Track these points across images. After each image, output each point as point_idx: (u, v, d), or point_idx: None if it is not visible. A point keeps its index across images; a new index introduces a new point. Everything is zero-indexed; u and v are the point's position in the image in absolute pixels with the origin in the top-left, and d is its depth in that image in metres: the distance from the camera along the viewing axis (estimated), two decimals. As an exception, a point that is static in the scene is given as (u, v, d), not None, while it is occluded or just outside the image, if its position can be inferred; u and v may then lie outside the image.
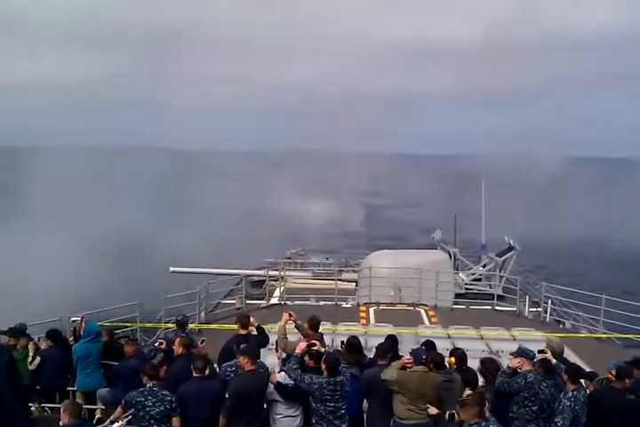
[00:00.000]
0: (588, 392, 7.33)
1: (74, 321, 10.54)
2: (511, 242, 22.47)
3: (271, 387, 7.23)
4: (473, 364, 8.61)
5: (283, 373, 7.43)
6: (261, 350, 8.44)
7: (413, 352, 7.56)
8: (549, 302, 18.08)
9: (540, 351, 7.61)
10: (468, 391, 7.26)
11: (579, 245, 45.62)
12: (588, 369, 8.98)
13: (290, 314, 8.51)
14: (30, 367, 9.59)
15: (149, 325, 14.46)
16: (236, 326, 8.98)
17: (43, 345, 10.04)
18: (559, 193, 68.58)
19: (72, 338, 10.33)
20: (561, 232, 45.53)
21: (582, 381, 7.59)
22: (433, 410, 7.19)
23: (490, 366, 8.01)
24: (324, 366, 7.10)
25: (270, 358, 9.01)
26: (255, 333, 8.92)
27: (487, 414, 6.24)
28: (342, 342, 8.94)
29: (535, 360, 7.44)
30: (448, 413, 6.88)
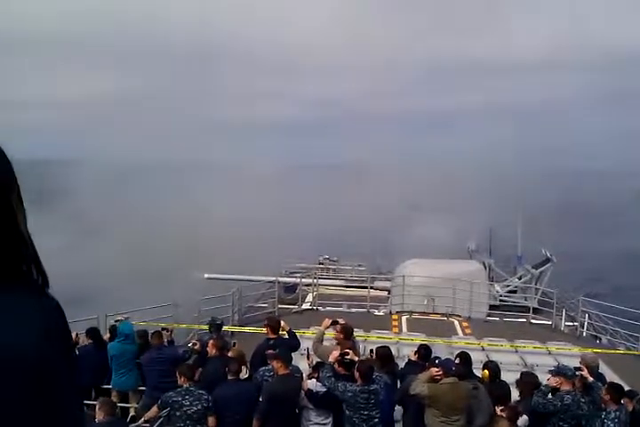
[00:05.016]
0: (627, 411, 7.16)
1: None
2: (548, 254, 22.11)
3: (303, 393, 7.23)
4: (507, 377, 8.49)
5: (314, 380, 7.39)
6: (293, 354, 8.47)
7: (442, 363, 7.28)
8: (586, 316, 17.71)
9: (577, 369, 7.46)
10: (499, 408, 7.05)
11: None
12: (626, 387, 8.77)
13: (335, 322, 8.50)
14: None
15: (184, 326, 14.61)
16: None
17: (80, 341, 10.24)
18: None
19: (107, 336, 10.53)
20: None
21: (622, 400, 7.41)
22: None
23: (528, 379, 7.87)
24: (357, 374, 7.02)
25: (302, 364, 9.04)
26: (286, 337, 8.95)
27: None
28: (371, 351, 8.91)
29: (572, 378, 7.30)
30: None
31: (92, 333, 10.30)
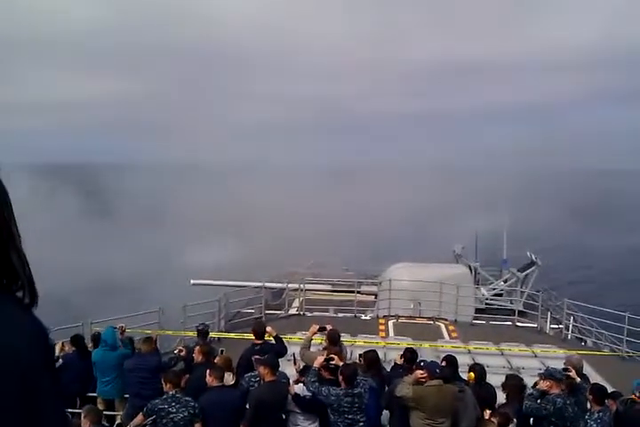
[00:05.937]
0: (611, 412, 7.21)
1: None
2: (533, 257, 22.22)
3: (290, 398, 7.23)
4: (493, 380, 8.53)
5: (300, 384, 7.40)
6: (280, 360, 8.46)
7: (427, 366, 7.28)
8: (571, 319, 17.84)
9: (565, 370, 7.51)
10: (487, 411, 7.11)
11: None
12: (610, 388, 8.84)
13: (322, 328, 8.55)
14: None
15: (170, 332, 14.53)
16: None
17: (65, 349, 10.13)
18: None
19: (91, 344, 10.44)
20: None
21: (606, 401, 7.47)
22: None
23: (514, 382, 7.90)
24: (341, 378, 7.05)
25: (289, 369, 9.02)
26: (272, 342, 8.93)
27: None
28: (360, 356, 8.93)
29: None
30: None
31: (76, 340, 10.19)
